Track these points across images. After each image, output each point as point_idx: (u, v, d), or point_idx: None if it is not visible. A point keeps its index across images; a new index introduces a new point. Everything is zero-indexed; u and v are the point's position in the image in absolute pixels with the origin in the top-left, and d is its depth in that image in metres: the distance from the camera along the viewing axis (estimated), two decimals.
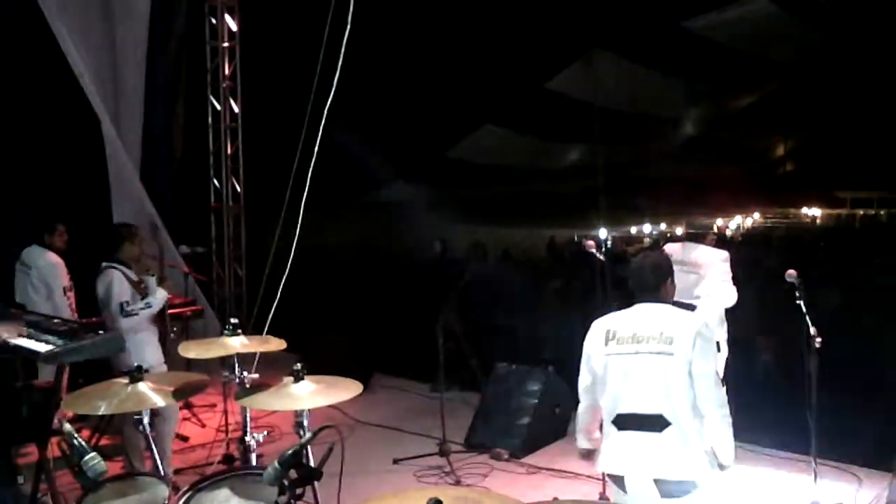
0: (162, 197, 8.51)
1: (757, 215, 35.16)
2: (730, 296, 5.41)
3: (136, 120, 8.60)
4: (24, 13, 7.39)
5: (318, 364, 3.37)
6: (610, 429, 3.21)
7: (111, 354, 4.42)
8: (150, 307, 5.06)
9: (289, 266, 5.82)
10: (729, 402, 3.20)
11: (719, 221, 28.74)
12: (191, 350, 3.80)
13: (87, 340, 3.89)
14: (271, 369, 4.10)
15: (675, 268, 6.00)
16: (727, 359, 5.41)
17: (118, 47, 8.40)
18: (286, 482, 2.47)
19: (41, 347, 3.94)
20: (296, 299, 5.93)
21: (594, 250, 5.21)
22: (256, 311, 6.70)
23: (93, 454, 2.65)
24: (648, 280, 3.27)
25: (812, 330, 4.51)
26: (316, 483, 2.68)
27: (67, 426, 2.66)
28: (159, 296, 5.15)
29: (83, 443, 2.65)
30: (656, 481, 3.03)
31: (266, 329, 5.59)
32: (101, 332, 4.03)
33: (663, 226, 25.86)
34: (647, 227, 26.60)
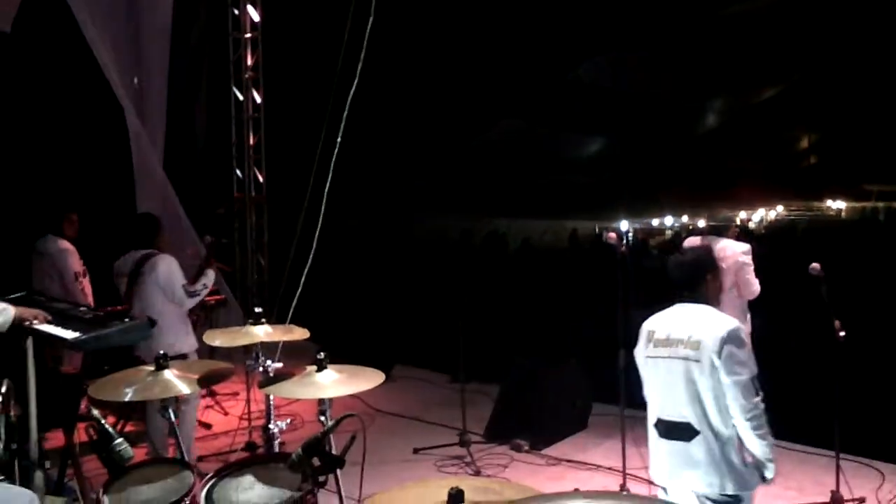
0: (185, 187, 8.57)
1: (780, 208, 34.83)
2: (752, 289, 5.37)
3: (159, 110, 8.65)
4: (49, 4, 7.46)
5: (340, 354, 3.39)
6: (652, 433, 3.13)
7: (137, 342, 4.49)
8: (206, 288, 5.19)
9: (311, 256, 5.86)
10: None
11: (742, 214, 28.49)
12: (216, 338, 3.84)
13: (113, 328, 3.94)
14: (294, 359, 4.14)
15: None
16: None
17: (142, 38, 8.45)
18: (309, 469, 2.50)
19: (68, 334, 3.99)
20: (318, 289, 5.98)
21: (615, 242, 5.19)
22: (279, 301, 6.74)
23: (120, 440, 2.70)
24: (686, 277, 3.12)
25: (836, 324, 4.48)
26: (338, 471, 2.71)
27: (95, 412, 2.70)
28: (210, 277, 5.25)
29: (110, 428, 2.70)
30: (696, 495, 2.91)
31: (289, 318, 5.64)
32: (126, 319, 4.08)
33: (685, 218, 25.67)
34: (668, 220, 26.41)
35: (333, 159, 5.87)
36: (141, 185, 8.15)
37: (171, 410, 3.17)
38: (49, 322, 4.07)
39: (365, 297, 10.78)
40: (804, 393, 6.21)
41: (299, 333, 3.91)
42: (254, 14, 9.35)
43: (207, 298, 7.17)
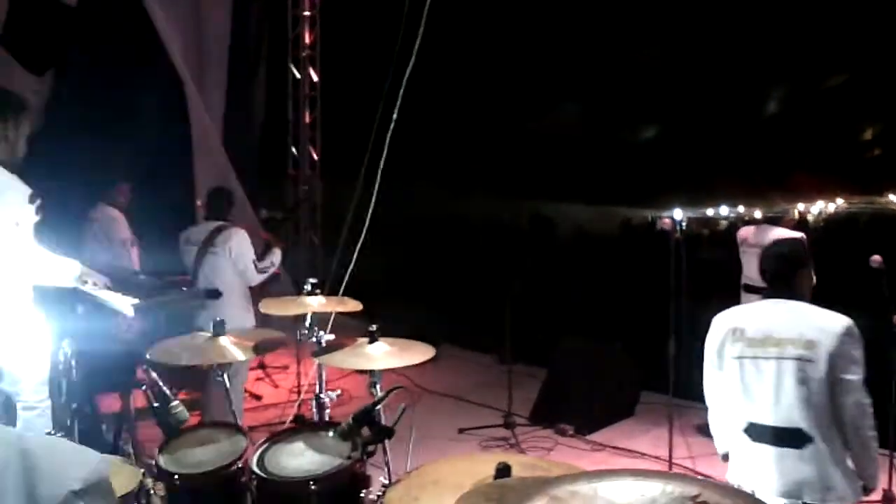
0: (243, 163, 8.70)
1: (840, 200, 33.90)
2: None
3: (219, 87, 8.79)
4: None
5: (388, 333, 3.42)
6: (741, 438, 2.93)
7: (195, 310, 4.60)
8: (273, 266, 5.28)
9: (363, 235, 5.90)
10: None
11: (800, 205, 27.80)
12: (271, 307, 3.92)
13: (171, 295, 4.04)
14: (342, 335, 4.19)
15: (750, 251, 5.97)
16: None
17: (203, 14, 8.58)
18: (359, 438, 2.55)
19: (127, 300, 4.10)
20: (369, 267, 6.02)
21: (669, 228, 5.13)
22: (331, 278, 6.82)
23: (176, 402, 2.78)
24: (784, 270, 2.93)
25: (895, 318, 4.36)
26: (387, 442, 2.76)
27: (153, 374, 2.78)
28: (277, 256, 5.34)
29: (168, 391, 2.78)
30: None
31: (342, 291, 5.70)
32: (184, 287, 4.18)
33: (741, 208, 25.17)
34: (723, 210, 25.94)
35: (388, 138, 5.89)
36: (199, 159, 8.30)
37: (225, 376, 3.25)
38: (109, 287, 4.20)
39: (415, 276, 10.85)
40: None
41: (352, 305, 3.96)
42: None
43: None
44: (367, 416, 2.51)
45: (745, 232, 6.21)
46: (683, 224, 5.27)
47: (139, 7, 7.48)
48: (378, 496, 2.66)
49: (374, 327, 3.16)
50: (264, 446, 2.80)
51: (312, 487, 2.58)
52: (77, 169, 7.49)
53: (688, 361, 4.83)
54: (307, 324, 3.72)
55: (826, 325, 2.78)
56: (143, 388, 2.81)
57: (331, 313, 4.02)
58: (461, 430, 5.94)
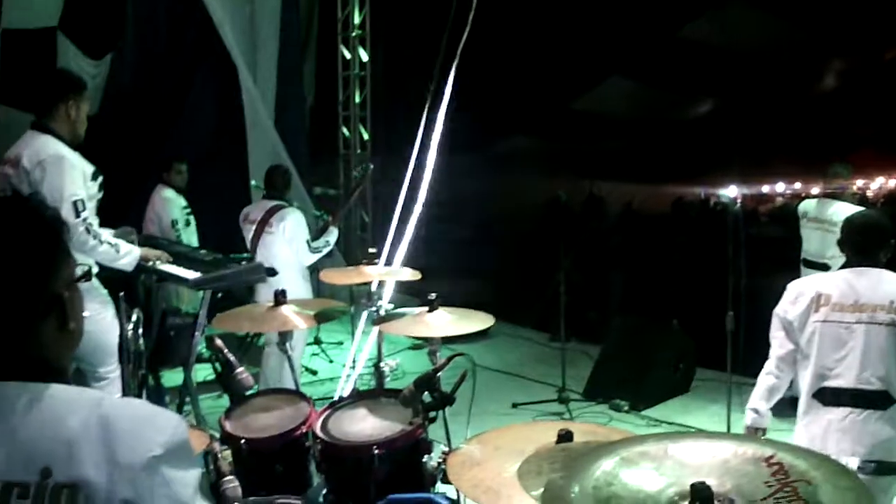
0: (294, 142, 8.78)
1: None
2: None
3: (270, 68, 8.87)
4: None
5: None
6: (811, 403, 2.97)
7: (253, 283, 4.68)
8: (328, 246, 5.33)
9: (415, 213, 5.91)
10: None
11: (859, 182, 27.00)
12: (332, 276, 3.96)
13: (231, 269, 4.12)
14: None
15: (810, 225, 5.84)
16: None
17: None
18: (420, 405, 2.57)
19: (189, 274, 4.20)
20: (422, 246, 6.03)
21: (729, 202, 5.05)
22: (386, 253, 6.87)
23: (241, 369, 2.83)
24: (871, 240, 3.00)
25: None
26: (446, 409, 2.77)
27: (219, 342, 2.84)
28: (333, 235, 5.40)
29: (233, 358, 2.83)
30: (872, 461, 2.82)
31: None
32: (243, 262, 4.25)
33: (797, 185, 24.56)
34: (780, 186, 25.33)
35: (438, 118, 5.88)
36: (253, 140, 8.40)
37: (288, 345, 3.29)
38: (170, 262, 4.30)
39: (469, 254, 10.86)
40: None
41: (411, 274, 3.98)
42: None
43: None
44: (428, 383, 2.53)
45: (805, 206, 6.07)
46: (738, 201, 5.19)
47: None
48: (439, 462, 2.68)
49: (433, 295, 3.18)
50: (328, 412, 2.84)
51: (375, 452, 2.61)
52: (134, 150, 7.68)
53: (747, 337, 4.76)
54: (367, 293, 3.76)
55: None
56: (209, 355, 2.87)
57: (389, 284, 4.04)
58: (515, 405, 5.94)
